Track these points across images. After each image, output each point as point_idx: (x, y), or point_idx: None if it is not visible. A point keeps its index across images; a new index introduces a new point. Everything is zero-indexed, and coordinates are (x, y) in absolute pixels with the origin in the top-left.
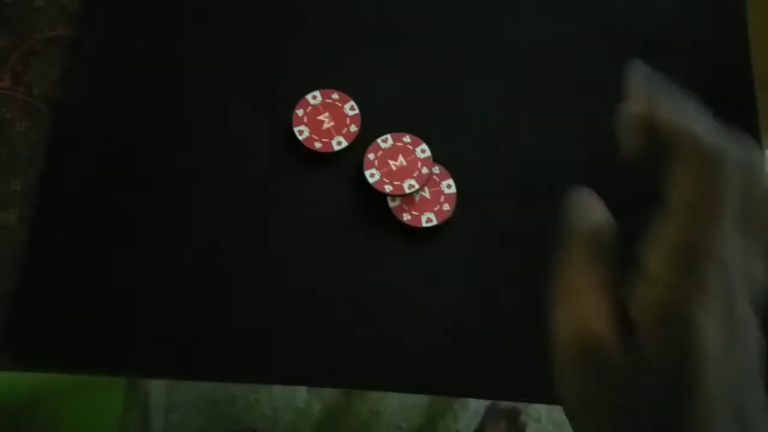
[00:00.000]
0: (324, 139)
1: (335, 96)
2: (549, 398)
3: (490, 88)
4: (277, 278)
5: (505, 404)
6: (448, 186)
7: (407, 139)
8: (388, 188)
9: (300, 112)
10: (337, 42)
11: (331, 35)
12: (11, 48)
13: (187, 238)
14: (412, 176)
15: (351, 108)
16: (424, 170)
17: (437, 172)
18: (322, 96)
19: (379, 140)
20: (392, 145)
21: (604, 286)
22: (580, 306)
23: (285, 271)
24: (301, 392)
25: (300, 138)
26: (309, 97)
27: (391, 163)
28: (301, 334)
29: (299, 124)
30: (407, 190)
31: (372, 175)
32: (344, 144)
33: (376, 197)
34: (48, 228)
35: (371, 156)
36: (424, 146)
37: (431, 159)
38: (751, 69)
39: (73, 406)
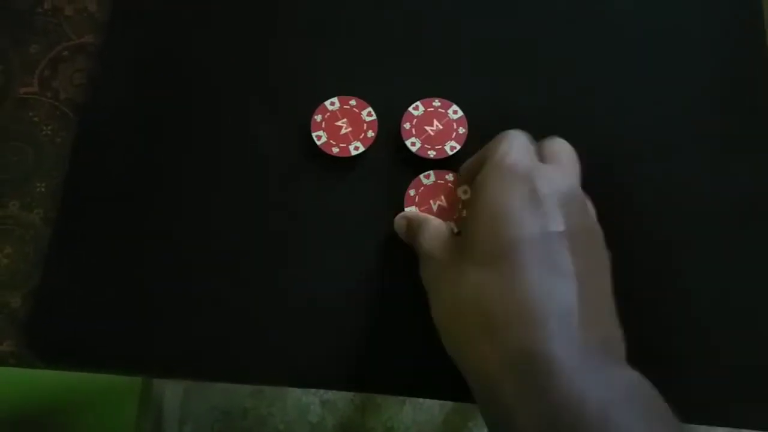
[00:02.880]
0: (341, 144)
1: (353, 102)
2: None
3: (507, 90)
4: (297, 282)
5: None
6: None
7: (437, 103)
8: (431, 153)
9: (318, 117)
10: (356, 50)
11: (349, 43)
12: (41, 55)
13: (206, 240)
14: (451, 138)
15: (368, 114)
16: (461, 130)
17: None
18: (340, 102)
19: (410, 109)
20: (424, 111)
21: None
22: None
23: (305, 275)
24: (314, 406)
25: (318, 143)
26: (327, 103)
27: (428, 128)
28: (321, 341)
29: (317, 130)
30: (450, 152)
31: (413, 144)
32: (361, 149)
33: (394, 200)
34: (71, 228)
35: (407, 125)
36: (455, 107)
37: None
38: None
39: (86, 417)
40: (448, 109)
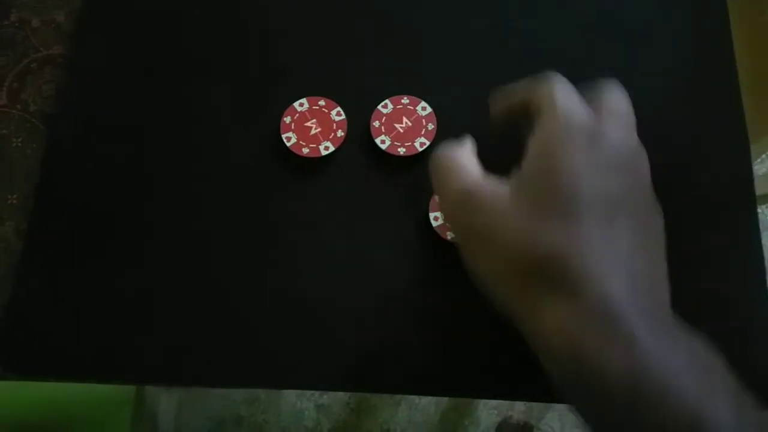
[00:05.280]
0: (311, 145)
1: (322, 102)
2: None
3: (476, 86)
4: (268, 285)
5: (517, 419)
6: None
7: (406, 100)
8: (401, 150)
9: (287, 119)
10: (323, 49)
11: (317, 43)
12: (8, 67)
13: (178, 246)
14: (420, 134)
15: (338, 114)
16: (430, 126)
17: None
18: (309, 103)
19: (379, 107)
20: (393, 109)
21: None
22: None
23: (276, 277)
24: (309, 411)
25: (288, 144)
26: (296, 104)
27: (397, 126)
28: (292, 341)
29: (287, 131)
30: (419, 149)
31: (383, 142)
32: (331, 149)
33: (368, 200)
34: (42, 240)
35: (376, 123)
36: (424, 104)
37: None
38: (734, 61)
39: (80, 430)
40: (417, 105)
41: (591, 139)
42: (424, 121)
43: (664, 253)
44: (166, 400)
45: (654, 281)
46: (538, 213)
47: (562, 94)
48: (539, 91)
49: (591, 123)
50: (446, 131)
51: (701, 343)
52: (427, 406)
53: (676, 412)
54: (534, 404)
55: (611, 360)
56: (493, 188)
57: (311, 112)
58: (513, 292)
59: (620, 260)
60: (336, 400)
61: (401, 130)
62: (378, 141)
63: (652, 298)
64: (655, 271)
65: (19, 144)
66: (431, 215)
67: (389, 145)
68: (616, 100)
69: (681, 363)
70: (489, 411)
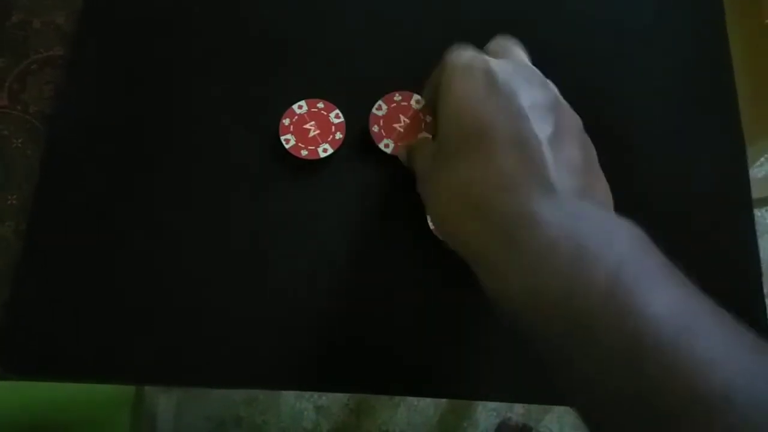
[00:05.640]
0: (310, 147)
1: (321, 105)
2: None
3: None
4: (268, 286)
5: (515, 421)
6: None
7: (398, 97)
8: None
9: (286, 121)
10: (322, 52)
11: (316, 46)
12: (9, 68)
13: (177, 247)
14: (421, 129)
15: (336, 116)
16: (428, 119)
17: None
18: (308, 105)
19: (374, 110)
20: (388, 109)
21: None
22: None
23: (276, 279)
24: (308, 412)
25: (286, 146)
26: (295, 107)
27: (396, 126)
28: (292, 342)
29: (285, 133)
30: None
31: (386, 146)
32: (330, 151)
33: (365, 201)
34: (41, 240)
35: (376, 128)
36: (417, 96)
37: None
38: (731, 64)
39: (79, 429)
40: (411, 100)
41: (480, 70)
42: (421, 114)
43: (582, 146)
44: (165, 401)
45: (584, 189)
46: (454, 156)
47: (453, 52)
48: (442, 64)
49: (479, 57)
50: None
51: (631, 224)
52: (426, 407)
53: (592, 265)
54: (533, 406)
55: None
56: (431, 146)
57: (310, 114)
58: (455, 229)
59: (527, 167)
60: (335, 401)
61: (401, 130)
62: (381, 146)
63: (568, 184)
64: (571, 164)
65: (19, 145)
66: (429, 217)
67: (393, 147)
68: (503, 42)
69: (602, 227)
70: (488, 413)
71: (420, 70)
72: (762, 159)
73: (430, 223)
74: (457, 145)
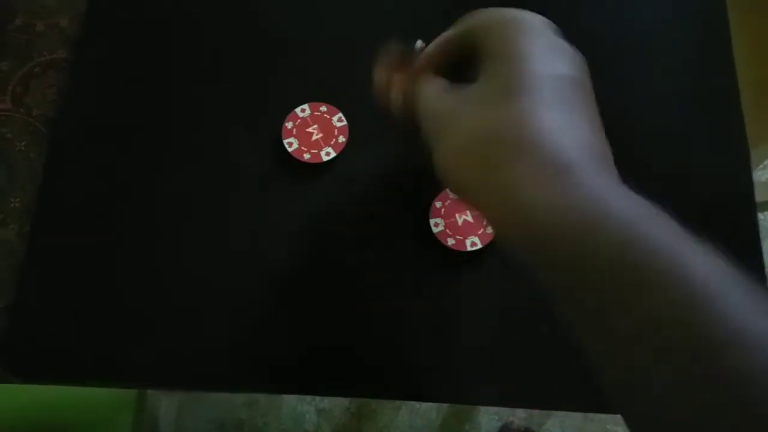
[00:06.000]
0: (313, 150)
1: (323, 108)
2: (561, 405)
3: None
4: (271, 288)
5: (518, 425)
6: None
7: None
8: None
9: (289, 124)
10: (325, 56)
11: (319, 49)
12: (12, 71)
13: (179, 250)
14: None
15: (339, 119)
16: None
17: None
18: (311, 109)
19: (297, 110)
20: (310, 114)
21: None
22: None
23: (278, 281)
24: (310, 415)
25: (289, 150)
26: (298, 110)
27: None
28: (294, 345)
29: (288, 137)
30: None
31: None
32: (333, 154)
33: (369, 206)
34: (45, 242)
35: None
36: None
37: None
38: (734, 67)
39: None
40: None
41: (543, 30)
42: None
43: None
44: (166, 404)
45: (603, 151)
46: (499, 96)
47: (502, 9)
48: (477, 16)
49: (540, 18)
50: None
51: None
52: (428, 411)
53: (616, 234)
54: (535, 410)
55: (562, 197)
56: (459, 89)
57: (313, 118)
58: (475, 169)
59: (571, 128)
60: (336, 404)
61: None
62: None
63: (605, 161)
64: (604, 146)
65: (23, 148)
66: (432, 221)
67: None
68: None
69: (623, 201)
70: (490, 416)
71: None
72: (766, 162)
73: (433, 228)
74: (503, 86)
